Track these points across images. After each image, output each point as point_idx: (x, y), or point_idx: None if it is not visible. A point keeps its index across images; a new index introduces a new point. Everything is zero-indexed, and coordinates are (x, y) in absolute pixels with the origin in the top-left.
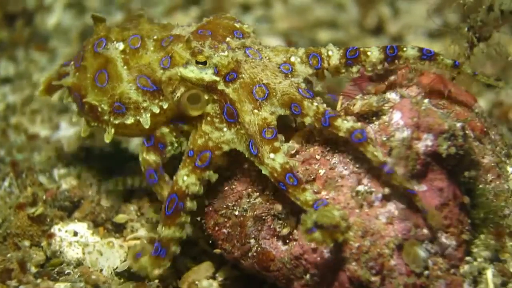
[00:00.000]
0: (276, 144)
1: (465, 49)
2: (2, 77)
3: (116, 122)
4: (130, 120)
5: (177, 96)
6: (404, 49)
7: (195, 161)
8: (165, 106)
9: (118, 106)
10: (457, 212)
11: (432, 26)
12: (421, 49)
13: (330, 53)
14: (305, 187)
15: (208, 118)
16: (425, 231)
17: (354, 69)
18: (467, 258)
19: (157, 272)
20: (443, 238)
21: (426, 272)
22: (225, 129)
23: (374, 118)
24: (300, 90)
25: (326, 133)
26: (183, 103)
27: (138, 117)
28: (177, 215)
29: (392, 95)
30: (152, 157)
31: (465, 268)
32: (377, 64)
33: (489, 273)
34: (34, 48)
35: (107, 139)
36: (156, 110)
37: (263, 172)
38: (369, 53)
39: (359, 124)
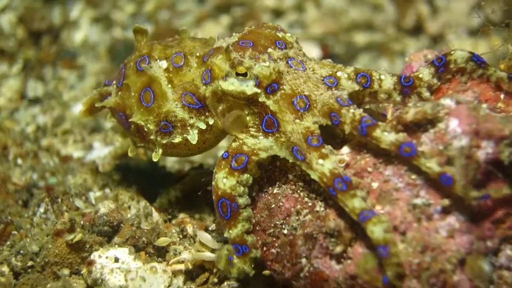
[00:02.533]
0: (324, 150)
1: None
2: (31, 98)
3: (164, 141)
4: (177, 139)
5: (219, 110)
6: (452, 52)
7: (231, 163)
8: (211, 122)
9: (164, 125)
10: None
11: (474, 24)
12: (471, 52)
13: (382, 77)
14: (354, 193)
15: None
16: (489, 243)
17: (413, 99)
18: None
19: (248, 268)
20: (508, 250)
21: (491, 287)
22: (260, 137)
23: (429, 126)
24: (339, 99)
25: (369, 144)
26: (228, 125)
27: (185, 135)
28: (236, 214)
29: (447, 101)
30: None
31: None
32: (431, 81)
33: None
34: (62, 66)
35: (155, 158)
36: (203, 126)
37: (312, 176)
38: (421, 75)
39: (402, 136)
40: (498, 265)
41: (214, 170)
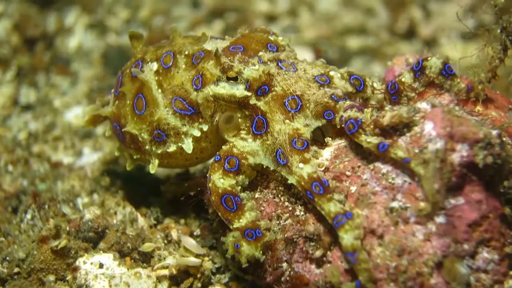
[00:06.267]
0: (307, 155)
1: (498, 52)
2: (24, 105)
3: (159, 151)
4: (172, 148)
5: (216, 120)
6: (428, 59)
7: (224, 165)
8: (205, 128)
9: (158, 134)
10: (498, 224)
11: (466, 28)
12: (444, 62)
13: (375, 84)
14: (331, 197)
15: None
16: (466, 246)
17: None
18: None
19: (259, 254)
20: (485, 253)
21: None
22: (249, 140)
23: (405, 129)
24: (333, 96)
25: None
26: (220, 126)
27: (180, 144)
28: (242, 205)
29: (422, 105)
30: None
31: (509, 283)
32: (413, 84)
33: None
34: (55, 72)
35: (152, 170)
36: (197, 133)
37: (290, 181)
38: (403, 79)
39: (354, 114)
40: (475, 268)
41: (207, 174)
